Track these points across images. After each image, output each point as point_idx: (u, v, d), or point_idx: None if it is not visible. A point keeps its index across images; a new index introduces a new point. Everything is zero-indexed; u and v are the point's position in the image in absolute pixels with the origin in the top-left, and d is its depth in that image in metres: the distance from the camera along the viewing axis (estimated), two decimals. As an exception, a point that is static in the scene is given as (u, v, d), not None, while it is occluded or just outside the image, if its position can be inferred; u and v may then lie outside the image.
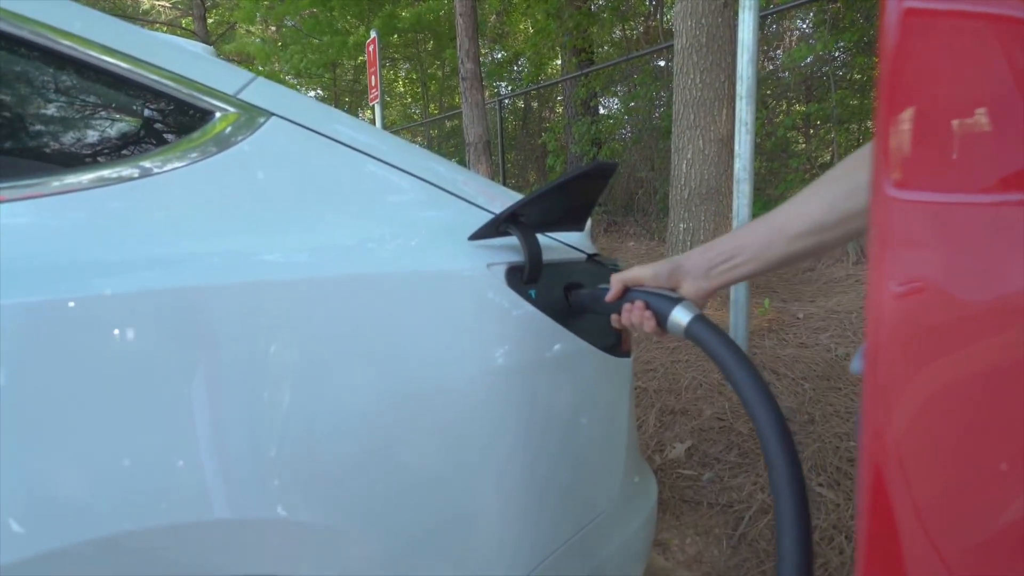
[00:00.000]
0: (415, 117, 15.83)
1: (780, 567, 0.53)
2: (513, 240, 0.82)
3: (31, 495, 0.50)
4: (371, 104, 5.43)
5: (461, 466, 0.75)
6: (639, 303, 0.77)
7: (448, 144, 12.67)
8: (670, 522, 1.73)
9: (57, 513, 0.51)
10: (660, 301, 0.75)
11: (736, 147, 2.35)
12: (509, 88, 12.69)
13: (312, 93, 15.10)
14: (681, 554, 1.60)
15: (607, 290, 0.81)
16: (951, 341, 0.36)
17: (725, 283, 0.76)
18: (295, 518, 0.63)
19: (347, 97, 16.27)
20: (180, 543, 0.58)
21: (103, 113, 0.65)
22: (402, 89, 16.24)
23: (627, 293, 0.80)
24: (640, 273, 0.79)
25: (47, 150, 0.61)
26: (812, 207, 0.70)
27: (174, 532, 0.57)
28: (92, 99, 0.65)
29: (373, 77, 5.37)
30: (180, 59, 0.68)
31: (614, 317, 0.82)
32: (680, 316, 0.72)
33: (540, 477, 0.83)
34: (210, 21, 14.33)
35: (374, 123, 5.27)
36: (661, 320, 0.75)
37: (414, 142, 13.60)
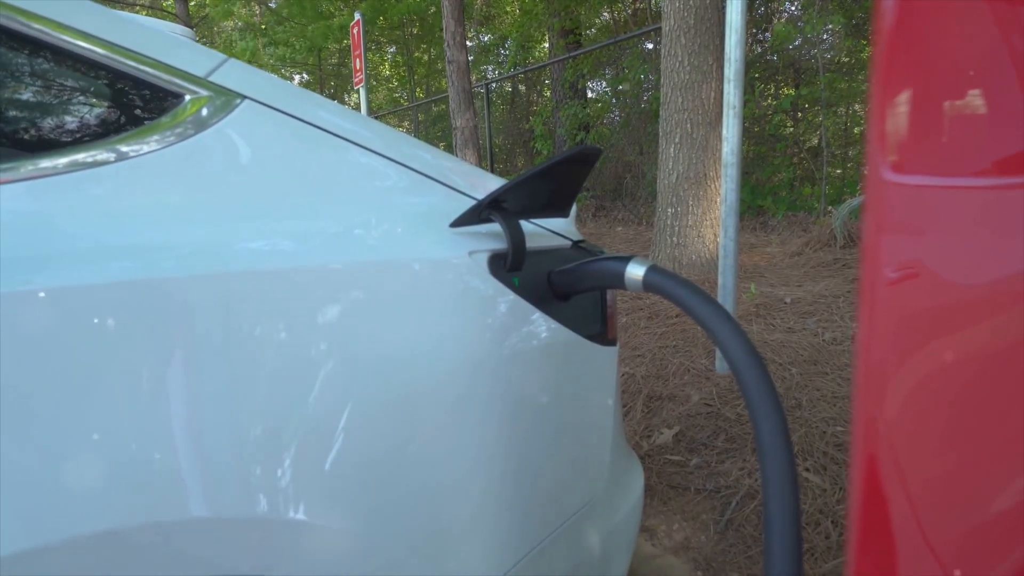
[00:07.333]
0: (402, 101, 15.66)
1: (767, 539, 0.53)
2: (497, 227, 0.79)
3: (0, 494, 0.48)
4: (356, 88, 5.35)
5: (443, 457, 0.74)
6: None
7: (435, 129, 12.57)
8: (657, 508, 1.73)
9: (31, 512, 0.49)
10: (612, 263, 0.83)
11: (724, 131, 2.33)
12: (496, 72, 12.57)
13: (296, 79, 14.89)
14: (668, 540, 1.61)
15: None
16: (945, 326, 0.35)
17: None
18: (274, 516, 0.61)
19: (333, 81, 16.05)
20: (159, 542, 0.56)
21: (67, 96, 0.62)
22: (388, 73, 16.04)
23: None
24: None
25: (12, 135, 0.58)
26: None
27: (152, 530, 0.55)
28: (55, 81, 0.62)
29: (358, 60, 5.28)
30: (147, 40, 0.65)
31: None
32: (635, 271, 0.79)
33: (525, 467, 0.82)
34: (191, 3, 14.04)
35: (359, 107, 5.20)
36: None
37: (401, 127, 13.52)
